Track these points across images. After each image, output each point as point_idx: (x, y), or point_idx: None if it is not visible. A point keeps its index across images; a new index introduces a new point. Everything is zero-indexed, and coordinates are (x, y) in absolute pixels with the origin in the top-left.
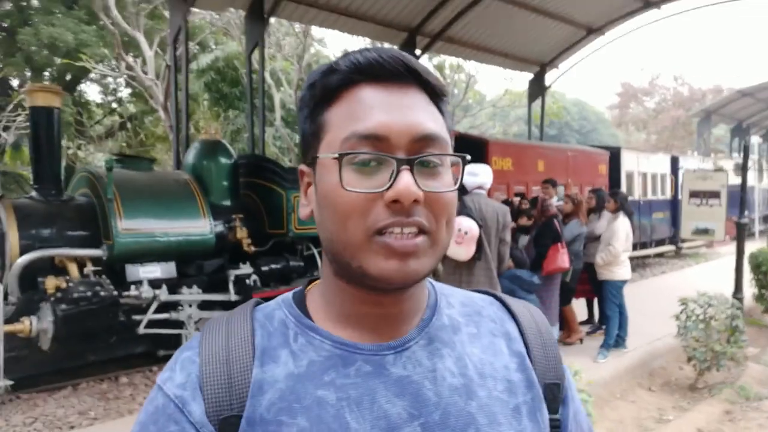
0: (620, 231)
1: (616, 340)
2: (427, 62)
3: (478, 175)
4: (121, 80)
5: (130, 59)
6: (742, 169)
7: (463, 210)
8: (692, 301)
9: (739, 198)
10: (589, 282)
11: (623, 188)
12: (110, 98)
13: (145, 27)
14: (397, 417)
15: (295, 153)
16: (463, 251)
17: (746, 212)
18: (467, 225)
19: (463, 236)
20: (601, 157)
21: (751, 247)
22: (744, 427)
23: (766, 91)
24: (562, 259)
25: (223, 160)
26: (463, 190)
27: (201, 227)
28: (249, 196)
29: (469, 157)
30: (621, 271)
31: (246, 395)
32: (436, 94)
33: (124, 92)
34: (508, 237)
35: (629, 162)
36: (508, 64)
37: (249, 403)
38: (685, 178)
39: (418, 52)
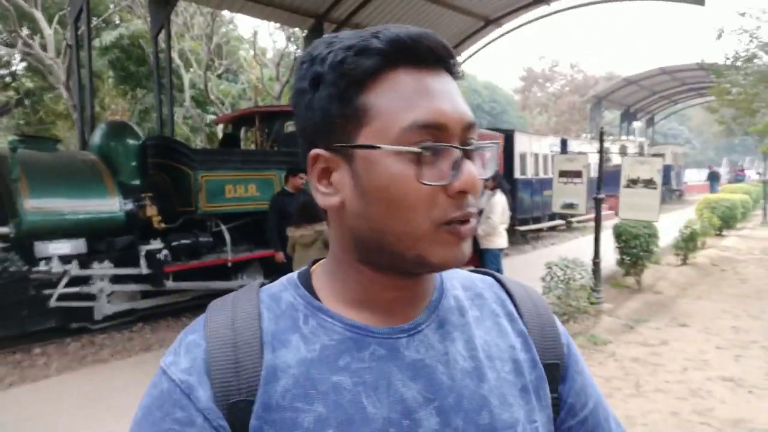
0: (497, 205)
1: None
2: None
3: None
4: (16, 53)
5: (25, 34)
6: (599, 151)
7: None
8: (555, 265)
9: (614, 176)
10: (474, 251)
11: (517, 168)
12: (2, 71)
13: (44, 3)
14: (412, 401)
15: (206, 133)
16: None
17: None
18: None
19: None
20: (494, 138)
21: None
22: (588, 364)
23: (648, 80)
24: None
25: (131, 141)
26: None
27: (110, 206)
28: (159, 175)
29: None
30: (499, 240)
31: (256, 380)
32: (458, 79)
33: (20, 66)
34: None
35: (522, 144)
36: None
37: (263, 389)
38: (555, 160)
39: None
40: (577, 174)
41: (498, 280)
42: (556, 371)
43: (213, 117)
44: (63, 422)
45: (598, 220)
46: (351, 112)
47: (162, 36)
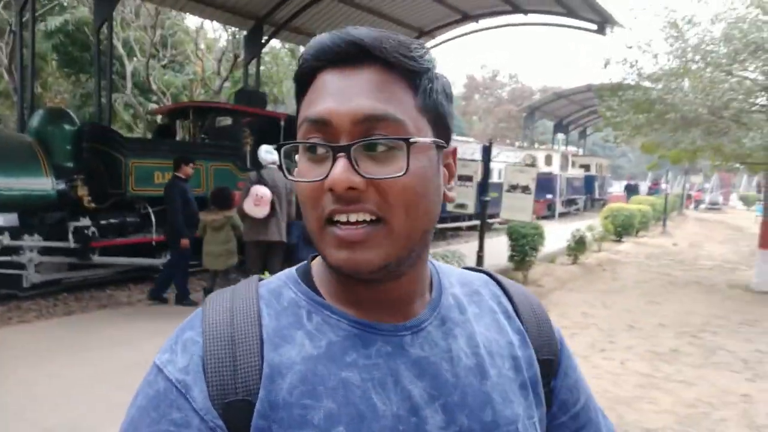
0: None
1: None
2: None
3: (273, 154)
4: None
5: None
6: (483, 160)
7: (260, 180)
8: (442, 257)
9: (545, 184)
10: None
11: None
12: None
13: None
14: (419, 398)
15: (147, 121)
16: (260, 211)
17: (550, 195)
18: (262, 192)
19: (260, 200)
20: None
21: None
22: None
23: (578, 95)
24: None
25: (67, 127)
26: (260, 165)
27: (43, 184)
28: (92, 160)
29: (413, 140)
30: None
31: (256, 379)
32: (408, 71)
33: None
34: (294, 200)
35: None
36: None
37: (268, 388)
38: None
39: (264, 39)
40: (469, 178)
41: (493, 278)
42: (550, 367)
43: (154, 106)
44: None
45: (483, 219)
46: (296, 117)
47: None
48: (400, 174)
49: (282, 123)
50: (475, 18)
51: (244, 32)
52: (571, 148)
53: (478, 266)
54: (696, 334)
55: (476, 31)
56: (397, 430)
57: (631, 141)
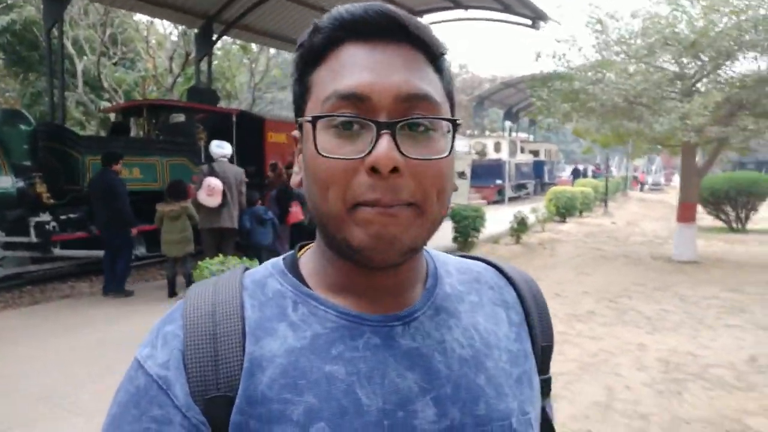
0: None
1: None
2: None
3: (224, 148)
4: None
5: None
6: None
7: (212, 173)
8: None
9: (494, 170)
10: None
11: None
12: None
13: None
14: (408, 391)
15: (99, 119)
16: (212, 200)
17: (499, 181)
18: (214, 183)
19: (212, 190)
20: None
21: (505, 211)
22: None
23: (525, 84)
24: (296, 214)
25: (23, 127)
26: (211, 158)
27: (3, 183)
28: (50, 158)
29: (460, 121)
30: None
31: (236, 374)
32: (432, 52)
33: None
34: (243, 190)
35: None
36: None
37: (247, 381)
38: None
39: (214, 37)
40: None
41: (494, 266)
42: (550, 353)
43: (106, 104)
44: None
45: None
46: (303, 90)
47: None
48: (444, 156)
49: (234, 119)
50: (419, 14)
51: (195, 30)
52: (522, 135)
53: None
54: (614, 299)
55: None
56: (382, 426)
57: (561, 127)
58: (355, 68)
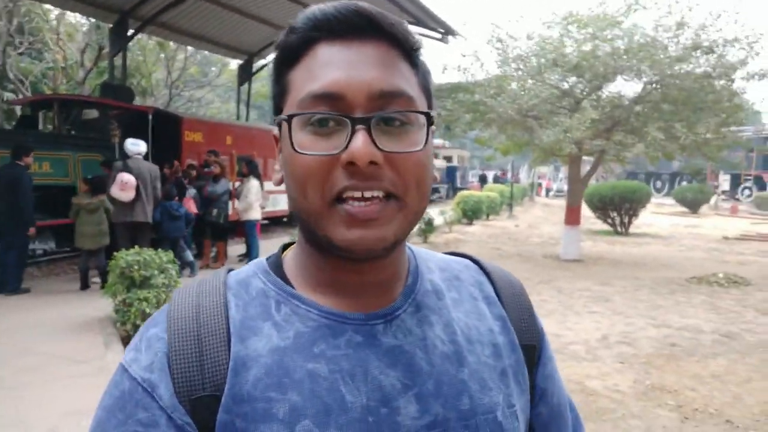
0: (252, 188)
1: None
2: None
3: (139, 146)
4: None
5: None
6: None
7: (125, 168)
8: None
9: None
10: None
11: None
12: None
13: None
14: (391, 388)
15: (3, 110)
16: (125, 195)
17: None
18: (126, 178)
19: (125, 185)
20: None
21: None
22: None
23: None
24: (190, 208)
25: None
26: (126, 155)
27: None
28: None
29: (434, 113)
30: (254, 214)
31: (222, 374)
32: (406, 48)
33: None
34: (158, 185)
35: None
36: (219, 51)
37: (232, 381)
38: None
39: (130, 33)
40: None
41: (475, 262)
42: (533, 353)
43: (11, 95)
44: None
45: None
46: (280, 89)
47: None
48: (419, 148)
49: (150, 116)
50: None
51: (109, 24)
52: (438, 141)
53: None
54: None
55: None
56: (366, 422)
57: (462, 135)
58: (330, 67)
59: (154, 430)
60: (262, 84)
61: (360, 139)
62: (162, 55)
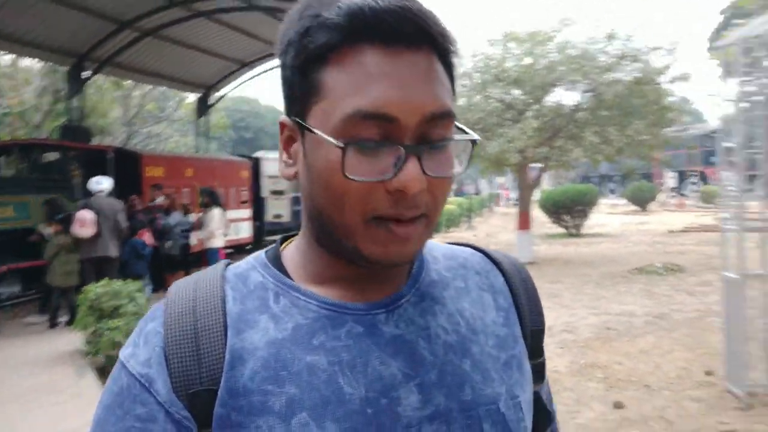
0: (215, 217)
1: None
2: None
3: (102, 183)
4: None
5: None
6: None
7: (85, 206)
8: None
9: None
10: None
11: (266, 188)
12: None
13: None
14: (392, 378)
15: None
16: (85, 231)
17: None
18: (83, 215)
19: (84, 222)
20: (244, 164)
21: None
22: None
23: None
24: (145, 239)
25: None
26: (89, 194)
27: None
28: None
29: (478, 139)
30: (216, 242)
31: (219, 367)
32: (449, 55)
33: None
34: (121, 220)
35: (270, 168)
36: (176, 86)
37: (229, 374)
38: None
39: (86, 74)
40: (282, 192)
41: (482, 252)
42: (540, 337)
43: None
44: None
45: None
46: (308, 86)
47: None
48: (459, 170)
49: (110, 155)
50: (251, 65)
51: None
52: None
53: None
54: None
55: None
56: (365, 414)
57: None
58: (381, 82)
59: (153, 424)
60: (220, 116)
61: (411, 168)
62: (119, 93)
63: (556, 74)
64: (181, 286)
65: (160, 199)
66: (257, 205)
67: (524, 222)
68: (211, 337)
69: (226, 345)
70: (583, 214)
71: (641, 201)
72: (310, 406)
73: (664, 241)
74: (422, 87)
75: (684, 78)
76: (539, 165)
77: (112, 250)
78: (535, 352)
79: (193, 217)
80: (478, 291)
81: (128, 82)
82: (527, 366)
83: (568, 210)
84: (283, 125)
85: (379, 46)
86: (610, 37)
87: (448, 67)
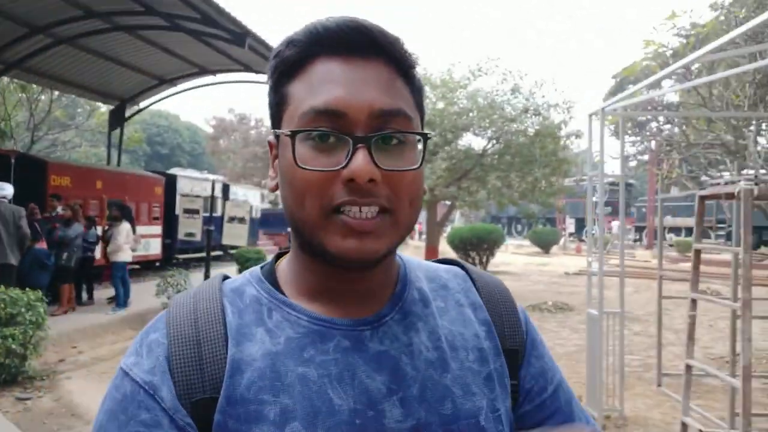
0: (123, 230)
1: (124, 301)
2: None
3: (5, 189)
4: None
5: None
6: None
7: None
8: (170, 276)
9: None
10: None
11: (179, 206)
12: None
13: None
14: (377, 392)
15: None
16: None
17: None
18: None
19: None
20: (157, 181)
21: None
22: None
23: None
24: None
25: None
26: None
27: None
28: None
29: (431, 134)
30: (123, 255)
31: (220, 376)
32: (404, 66)
33: None
34: (24, 227)
35: (185, 186)
36: (89, 96)
37: (227, 383)
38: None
39: None
40: (196, 211)
41: (464, 269)
42: (516, 357)
43: None
44: None
45: (208, 246)
46: (279, 100)
47: None
48: (415, 167)
49: (12, 160)
50: (172, 83)
51: None
52: None
53: None
54: None
55: (212, 84)
56: (354, 425)
57: None
58: (332, 84)
59: (157, 430)
60: (134, 129)
61: (360, 158)
62: (23, 96)
63: (467, 120)
64: (181, 301)
65: (59, 210)
66: (169, 222)
67: (431, 255)
68: (212, 347)
69: (227, 355)
70: (489, 252)
71: (544, 244)
72: (302, 415)
73: (559, 282)
74: (372, 87)
75: (578, 135)
76: (448, 203)
77: (9, 257)
78: (511, 373)
79: (99, 229)
80: (459, 308)
81: (35, 87)
82: (507, 379)
83: (475, 247)
84: (270, 145)
85: (336, 58)
86: (514, 91)
87: (410, 80)
